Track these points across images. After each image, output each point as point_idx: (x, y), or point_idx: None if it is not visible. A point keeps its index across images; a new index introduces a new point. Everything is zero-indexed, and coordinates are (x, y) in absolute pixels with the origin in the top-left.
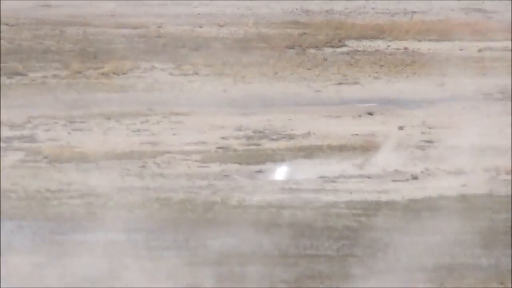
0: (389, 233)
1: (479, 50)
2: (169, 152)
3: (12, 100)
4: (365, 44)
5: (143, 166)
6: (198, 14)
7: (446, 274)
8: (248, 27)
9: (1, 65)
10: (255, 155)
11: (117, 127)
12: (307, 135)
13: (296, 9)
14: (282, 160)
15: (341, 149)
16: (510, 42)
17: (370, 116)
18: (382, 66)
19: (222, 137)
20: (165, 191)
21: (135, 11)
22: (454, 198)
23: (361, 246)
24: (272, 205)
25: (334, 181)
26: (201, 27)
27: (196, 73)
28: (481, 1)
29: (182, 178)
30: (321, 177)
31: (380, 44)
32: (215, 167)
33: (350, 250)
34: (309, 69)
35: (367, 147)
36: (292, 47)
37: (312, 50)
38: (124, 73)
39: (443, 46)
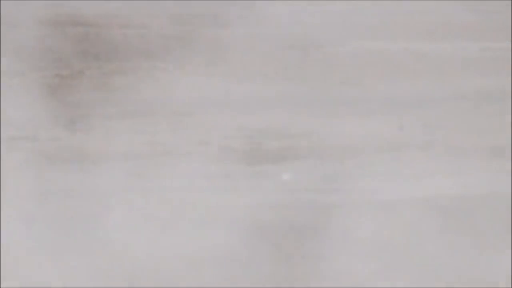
0: (389, 232)
1: (479, 50)
2: (169, 152)
3: (13, 99)
4: (366, 44)
5: (144, 166)
6: (199, 13)
7: (445, 274)
8: (249, 27)
9: (1, 64)
10: (256, 155)
11: (119, 127)
12: (308, 134)
13: (297, 8)
14: (283, 160)
15: (342, 149)
16: (510, 42)
17: (370, 115)
18: (382, 66)
19: (223, 137)
20: (165, 191)
21: (137, 11)
22: (454, 198)
23: (362, 245)
24: (272, 205)
25: (335, 181)
26: (202, 27)
27: (197, 73)
28: (481, 1)
29: (182, 178)
30: (322, 176)
31: (380, 44)
32: (215, 167)
33: (350, 249)
34: (310, 69)
35: (367, 147)
36: (293, 47)
37: (313, 50)
38: (126, 73)
39: (444, 46)
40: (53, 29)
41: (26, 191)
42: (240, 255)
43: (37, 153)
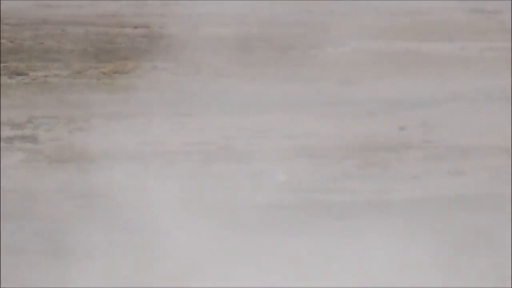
0: (389, 232)
1: (480, 50)
2: (170, 152)
3: (13, 100)
4: (366, 44)
5: (145, 166)
6: (200, 14)
7: (445, 274)
8: (250, 27)
9: (2, 64)
10: (256, 155)
11: (119, 127)
12: (308, 135)
13: (298, 9)
14: (283, 160)
15: (342, 149)
16: (510, 42)
17: (371, 116)
18: (383, 66)
19: (223, 137)
20: (165, 190)
21: (137, 11)
22: (454, 198)
23: (362, 245)
24: (272, 205)
25: (334, 181)
26: (203, 27)
27: (197, 73)
28: (482, 1)
29: (183, 178)
30: (322, 177)
31: (381, 44)
32: (216, 167)
33: (350, 249)
34: (310, 69)
35: (367, 147)
36: (293, 47)
37: (313, 50)
38: (126, 73)
39: (444, 47)
40: (53, 29)
41: (25, 191)
42: (240, 254)
43: (36, 153)
